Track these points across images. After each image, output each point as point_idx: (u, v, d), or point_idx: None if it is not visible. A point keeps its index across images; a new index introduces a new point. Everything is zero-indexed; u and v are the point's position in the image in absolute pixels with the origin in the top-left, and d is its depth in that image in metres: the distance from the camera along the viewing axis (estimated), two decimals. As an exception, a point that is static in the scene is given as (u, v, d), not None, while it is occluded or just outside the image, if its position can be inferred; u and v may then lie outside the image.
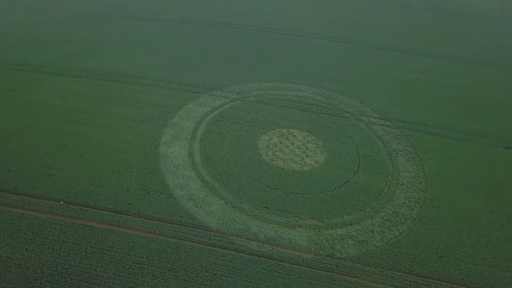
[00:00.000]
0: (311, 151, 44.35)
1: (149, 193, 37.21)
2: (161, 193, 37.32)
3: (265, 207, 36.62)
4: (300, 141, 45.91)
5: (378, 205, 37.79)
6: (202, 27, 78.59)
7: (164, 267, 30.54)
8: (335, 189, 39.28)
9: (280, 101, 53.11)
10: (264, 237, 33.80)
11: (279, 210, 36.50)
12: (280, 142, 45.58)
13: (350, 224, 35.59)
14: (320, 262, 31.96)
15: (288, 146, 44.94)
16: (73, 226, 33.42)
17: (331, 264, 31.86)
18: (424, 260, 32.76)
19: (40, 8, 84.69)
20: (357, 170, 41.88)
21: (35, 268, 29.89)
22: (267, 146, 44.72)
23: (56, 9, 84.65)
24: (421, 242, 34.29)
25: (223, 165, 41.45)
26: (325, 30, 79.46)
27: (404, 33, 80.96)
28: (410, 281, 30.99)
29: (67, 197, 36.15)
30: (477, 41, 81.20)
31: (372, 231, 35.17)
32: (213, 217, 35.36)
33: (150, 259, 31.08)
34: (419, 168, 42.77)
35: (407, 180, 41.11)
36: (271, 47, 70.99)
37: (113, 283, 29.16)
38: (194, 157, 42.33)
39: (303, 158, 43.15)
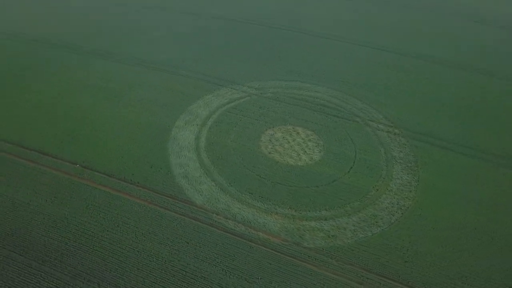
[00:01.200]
0: (310, 149, 46.39)
1: (151, 167, 42.16)
2: (161, 169, 42.08)
3: (249, 193, 39.73)
4: (302, 138, 48.11)
5: (360, 206, 39.03)
6: (236, 24, 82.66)
7: (146, 230, 35.07)
8: (321, 185, 41.15)
9: (294, 100, 55.49)
10: (241, 218, 36.96)
11: (261, 197, 39.39)
12: (283, 137, 48.17)
13: (325, 219, 37.42)
14: (285, 247, 34.41)
15: (289, 142, 47.40)
16: (82, 185, 39.33)
17: (295, 251, 34.18)
18: (387, 261, 33.74)
19: (111, 2, 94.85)
20: (348, 172, 43.21)
21: (44, 215, 36.05)
22: (269, 139, 47.60)
23: (122, 3, 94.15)
24: (390, 245, 35.17)
25: (223, 151, 45.18)
26: (352, 34, 79.46)
27: (433, 41, 78.17)
28: (366, 278, 32.31)
29: (83, 162, 42.40)
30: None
31: (345, 228, 36.71)
32: (200, 195, 39.26)
33: (137, 222, 35.80)
34: (413, 178, 42.92)
35: (397, 187, 41.63)
36: (298, 47, 73.04)
37: (101, 236, 34.28)
38: (199, 142, 46.57)
39: (299, 154, 45.41)
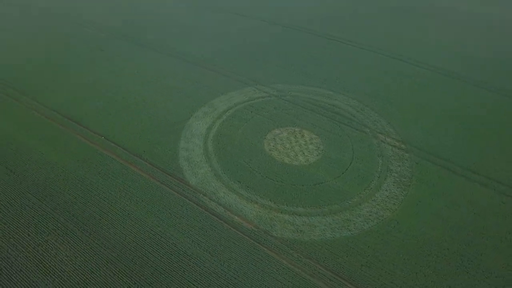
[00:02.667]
0: (309, 151, 48.86)
1: (161, 147, 48.10)
2: (169, 150, 47.80)
3: (238, 181, 43.67)
4: (305, 141, 50.69)
5: (337, 209, 40.88)
6: (279, 28, 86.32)
7: (140, 198, 40.84)
8: (307, 185, 43.61)
9: (311, 105, 58.01)
10: (224, 202, 41.08)
11: (248, 186, 43.09)
12: (287, 138, 51.21)
13: (299, 215, 40.00)
14: (254, 233, 37.81)
15: (291, 142, 50.32)
16: (101, 154, 46.53)
17: (261, 237, 37.43)
18: (345, 262, 35.49)
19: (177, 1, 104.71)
20: (338, 177, 44.99)
21: (65, 173, 43.68)
22: (274, 138, 50.97)
23: (182, 2, 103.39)
24: (354, 249, 36.73)
25: (228, 143, 49.62)
26: (388, 46, 78.57)
27: (455, 54, 73.83)
28: (319, 272, 34.49)
29: (108, 134, 49.81)
30: None
31: (315, 226, 38.97)
32: (195, 177, 44.15)
33: (135, 190, 41.77)
34: (402, 192, 43.36)
35: (382, 198, 42.53)
36: (334, 55, 74.63)
37: (104, 196, 40.79)
38: (210, 132, 51.54)
39: (297, 155, 48.16)
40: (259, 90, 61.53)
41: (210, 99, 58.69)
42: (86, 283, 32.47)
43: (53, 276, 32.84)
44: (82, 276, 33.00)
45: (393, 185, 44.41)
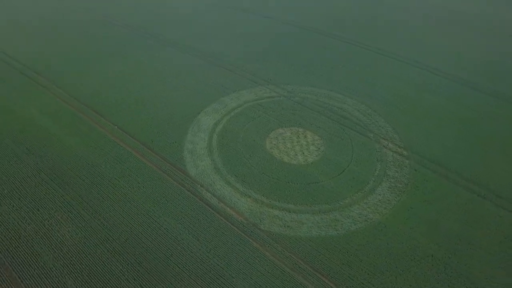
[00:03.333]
0: (309, 151, 49.99)
1: (168, 139, 50.87)
2: (175, 142, 50.48)
3: (235, 175, 45.60)
4: (307, 141, 51.84)
5: (327, 209, 41.89)
6: (302, 31, 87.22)
7: (142, 185, 43.66)
8: (302, 184, 44.85)
9: (318, 107, 58.99)
10: (219, 194, 43.15)
11: (243, 181, 44.91)
12: (290, 137, 52.55)
13: (289, 212, 41.37)
14: (243, 225, 39.61)
15: (293, 142, 51.64)
16: (112, 142, 49.90)
17: (249, 229, 39.16)
18: (326, 259, 36.54)
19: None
20: (333, 178, 45.89)
21: (77, 156, 47.33)
22: (276, 137, 52.48)
23: (213, 3, 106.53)
24: (337, 248, 37.68)
25: (231, 139, 51.66)
26: (405, 53, 77.40)
27: (474, 64, 71.38)
28: (299, 267, 35.78)
29: (122, 124, 53.20)
30: None
31: (303, 223, 40.23)
32: (196, 168, 46.50)
33: (137, 176, 44.67)
34: (395, 198, 43.66)
35: (374, 202, 43.07)
36: (346, 58, 74.86)
37: (108, 178, 43.94)
38: (216, 127, 53.78)
39: (297, 154, 49.44)
40: (270, 90, 63.15)
41: (221, 96, 60.96)
42: (83, 257, 35.51)
43: (54, 249, 36.15)
44: (80, 250, 36.10)
45: (388, 190, 44.77)
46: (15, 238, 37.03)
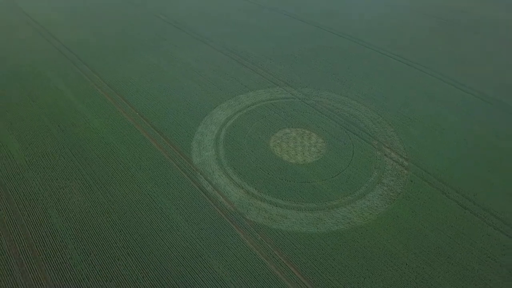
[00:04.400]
0: (309, 152, 51.89)
1: (181, 128, 55.23)
2: (186, 131, 54.70)
3: (233, 167, 48.80)
4: (310, 143, 53.73)
5: (314, 207, 43.78)
6: (332, 37, 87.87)
7: (148, 167, 48.26)
8: (294, 182, 47.02)
9: (329, 111, 60.44)
10: (215, 182, 46.61)
11: (240, 173, 47.98)
12: (294, 137, 54.73)
13: (276, 206, 43.82)
14: (230, 213, 42.74)
15: (296, 142, 53.77)
16: (131, 125, 55.20)
17: (235, 218, 42.22)
18: (301, 253, 38.66)
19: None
20: (326, 180, 47.52)
21: (98, 136, 53.04)
22: (281, 136, 54.89)
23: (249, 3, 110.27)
24: (312, 244, 39.61)
25: (238, 134, 54.88)
26: (426, 62, 75.20)
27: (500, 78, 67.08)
28: (273, 257, 38.25)
29: (143, 111, 58.48)
30: None
31: (287, 218, 42.51)
32: (199, 157, 50.34)
33: (146, 159, 49.37)
34: (384, 205, 44.45)
35: (361, 206, 44.22)
36: (369, 66, 74.73)
37: (119, 162, 49.04)
38: (227, 122, 57.28)
39: (297, 154, 51.57)
40: (286, 92, 65.51)
41: (239, 94, 64.36)
42: (85, 224, 40.65)
43: (63, 213, 41.67)
44: (84, 218, 41.29)
45: (378, 197, 45.64)
46: (34, 200, 43.11)
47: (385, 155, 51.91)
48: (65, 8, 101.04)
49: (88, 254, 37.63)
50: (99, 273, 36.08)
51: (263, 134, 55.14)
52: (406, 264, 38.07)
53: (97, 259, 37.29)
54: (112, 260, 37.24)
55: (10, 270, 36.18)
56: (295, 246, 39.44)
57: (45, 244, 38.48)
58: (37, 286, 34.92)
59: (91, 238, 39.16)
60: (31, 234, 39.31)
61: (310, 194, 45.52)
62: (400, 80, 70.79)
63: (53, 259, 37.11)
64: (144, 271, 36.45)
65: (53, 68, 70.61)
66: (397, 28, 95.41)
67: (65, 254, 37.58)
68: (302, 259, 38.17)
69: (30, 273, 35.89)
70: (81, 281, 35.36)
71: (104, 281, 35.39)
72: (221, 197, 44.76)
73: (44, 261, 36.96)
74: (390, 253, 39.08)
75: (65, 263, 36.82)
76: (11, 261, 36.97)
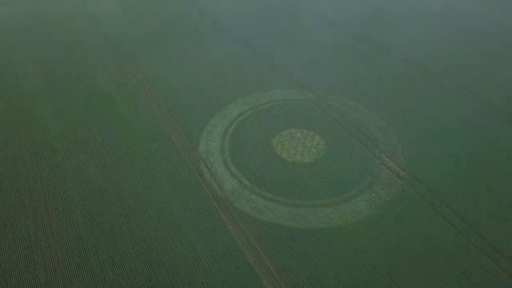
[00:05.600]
0: (309, 154, 54.36)
1: (195, 118, 60.18)
2: (199, 122, 59.53)
3: (232, 159, 52.74)
4: (311, 144, 56.12)
5: (299, 203, 46.50)
6: (368, 45, 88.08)
7: (157, 149, 53.69)
8: (286, 179, 49.93)
9: (338, 115, 62.17)
10: (214, 170, 50.90)
11: (237, 165, 51.79)
12: (298, 138, 57.39)
13: (264, 198, 47.12)
14: (220, 200, 46.81)
15: (298, 142, 56.43)
16: (154, 115, 61.12)
17: (224, 205, 46.20)
18: (275, 243, 41.75)
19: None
20: (317, 180, 49.83)
21: (120, 114, 59.47)
22: (286, 135, 57.82)
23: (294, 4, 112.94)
24: (289, 238, 42.47)
25: (246, 129, 58.63)
26: (459, 80, 72.75)
27: None
28: (248, 243, 41.73)
29: (165, 102, 64.25)
30: None
31: (271, 211, 45.67)
32: (205, 147, 54.89)
33: (159, 144, 54.85)
34: (368, 210, 45.95)
35: (345, 209, 46.14)
36: (395, 76, 74.50)
37: (133, 142, 54.95)
38: (238, 117, 61.27)
39: (296, 154, 54.29)
40: (301, 94, 68.04)
41: (256, 92, 68.03)
42: (96, 191, 46.88)
43: (79, 182, 48.28)
44: (96, 190, 47.56)
45: (365, 202, 47.20)
46: (59, 171, 50.24)
47: (383, 163, 52.97)
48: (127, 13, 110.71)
49: (90, 217, 43.82)
50: (98, 234, 42.01)
51: (269, 131, 58.43)
52: (374, 268, 39.72)
53: (97, 222, 43.34)
54: (110, 226, 43.03)
55: (26, 223, 43.28)
56: (272, 237, 42.57)
57: (59, 205, 45.26)
58: (47, 237, 41.58)
59: (97, 209, 45.29)
60: (51, 205, 46.23)
61: (299, 192, 48.23)
62: (426, 96, 70.15)
63: (62, 217, 43.73)
64: (131, 231, 41.80)
65: (97, 57, 79.07)
66: (435, 43, 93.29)
67: (72, 215, 44.08)
68: (275, 249, 41.24)
69: (41, 224, 42.75)
70: (81, 238, 41.49)
71: (98, 233, 41.24)
72: (216, 184, 48.96)
73: (55, 218, 43.67)
74: (359, 255, 40.86)
75: (71, 223, 43.22)
76: (28, 215, 44.13)
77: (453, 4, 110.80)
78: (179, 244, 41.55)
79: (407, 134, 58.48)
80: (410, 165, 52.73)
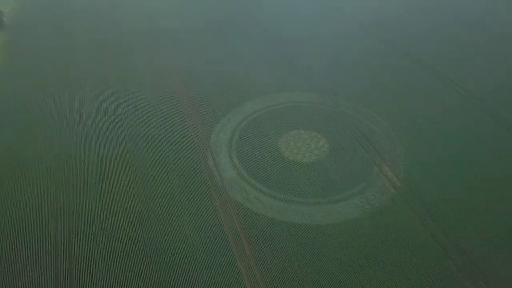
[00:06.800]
0: (310, 155, 56.83)
1: (215, 112, 65.06)
2: (217, 116, 64.12)
3: (236, 152, 56.86)
4: (316, 146, 58.44)
5: (288, 199, 49.44)
6: (398, 57, 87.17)
7: (175, 139, 59.41)
8: (282, 175, 52.92)
9: (349, 121, 63.50)
10: (217, 159, 55.37)
11: (240, 158, 55.82)
12: (304, 139, 60.00)
13: (256, 190, 50.71)
14: (217, 186, 51.08)
15: (303, 143, 59.03)
16: (177, 105, 67.35)
17: (219, 190, 50.40)
18: (255, 230, 45.14)
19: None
20: (311, 180, 52.27)
21: (145, 102, 66.31)
22: (294, 135, 60.60)
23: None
24: (269, 227, 45.67)
25: (256, 126, 62.11)
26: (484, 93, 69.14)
27: None
28: (232, 228, 45.49)
29: (197, 97, 70.18)
30: None
31: (260, 202, 49.19)
32: (216, 138, 59.52)
33: (177, 132, 60.65)
34: (353, 214, 47.37)
35: (330, 209, 48.21)
36: (423, 90, 73.28)
37: (155, 123, 61.33)
38: (252, 114, 65.22)
39: (298, 153, 57.01)
40: (318, 97, 70.11)
41: (276, 93, 71.42)
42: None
43: (101, 156, 55.53)
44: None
45: (352, 205, 48.89)
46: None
47: (381, 171, 53.91)
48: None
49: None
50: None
51: (278, 130, 61.59)
52: (343, 269, 41.75)
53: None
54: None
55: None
56: (253, 225, 45.98)
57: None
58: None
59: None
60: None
61: (290, 189, 51.06)
62: (456, 121, 68.37)
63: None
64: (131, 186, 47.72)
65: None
66: (473, 57, 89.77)
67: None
68: (254, 235, 44.74)
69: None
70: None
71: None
72: (216, 172, 53.45)
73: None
74: (332, 257, 42.82)
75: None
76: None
77: None
78: (167, 214, 46.79)
79: (415, 149, 58.24)
80: (408, 177, 53.07)
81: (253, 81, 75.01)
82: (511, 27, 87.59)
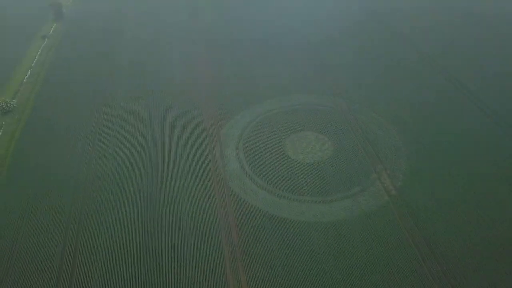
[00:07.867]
0: (313, 156, 58.97)
1: (232, 109, 69.05)
2: (233, 113, 68.12)
3: (244, 149, 60.39)
4: (320, 148, 60.39)
5: (282, 195, 52.41)
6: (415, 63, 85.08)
7: (190, 131, 64.10)
8: (282, 173, 55.88)
9: (357, 126, 64.58)
10: (225, 152, 59.56)
11: (246, 154, 59.33)
12: (310, 140, 62.15)
13: (255, 184, 54.09)
14: (220, 175, 55.26)
15: (309, 144, 61.22)
16: (193, 98, 72.05)
17: (221, 180, 54.61)
18: (248, 221, 48.65)
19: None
20: (309, 180, 54.61)
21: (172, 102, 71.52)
22: (301, 136, 63.08)
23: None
24: (261, 219, 48.89)
25: (266, 126, 65.26)
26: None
27: None
28: (226, 218, 49.39)
29: (218, 97, 74.63)
30: None
31: (256, 194, 52.48)
32: (227, 131, 63.62)
33: (191, 125, 65.29)
34: (341, 215, 49.33)
35: (322, 209, 50.37)
36: (441, 101, 71.60)
37: (178, 124, 66.32)
38: (264, 114, 68.25)
39: (301, 154, 59.46)
40: (332, 102, 71.53)
41: (292, 94, 73.87)
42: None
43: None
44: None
45: (342, 208, 50.69)
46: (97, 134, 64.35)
47: (379, 179, 55.06)
48: None
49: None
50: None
51: (286, 130, 64.29)
52: (324, 270, 43.68)
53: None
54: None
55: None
56: (247, 216, 49.54)
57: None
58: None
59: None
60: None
61: (286, 186, 53.89)
62: (474, 140, 64.06)
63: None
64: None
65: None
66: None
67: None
68: (245, 226, 48.16)
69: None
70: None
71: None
72: (221, 163, 57.47)
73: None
74: (318, 257, 44.75)
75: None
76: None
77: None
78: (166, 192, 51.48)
79: (418, 161, 57.89)
80: (405, 188, 53.74)
81: (276, 83, 77.93)
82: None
